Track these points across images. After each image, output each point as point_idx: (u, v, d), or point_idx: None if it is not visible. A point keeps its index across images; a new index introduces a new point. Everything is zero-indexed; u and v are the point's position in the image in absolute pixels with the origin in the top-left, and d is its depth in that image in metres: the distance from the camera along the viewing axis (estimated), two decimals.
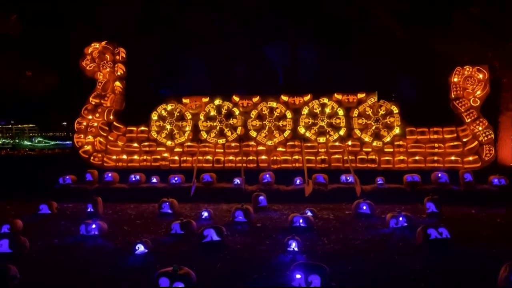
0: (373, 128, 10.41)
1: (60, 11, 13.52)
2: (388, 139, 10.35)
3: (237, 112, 10.92)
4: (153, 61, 14.73)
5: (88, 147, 11.05)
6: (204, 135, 10.94)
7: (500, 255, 5.16)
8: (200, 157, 10.70)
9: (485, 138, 9.86)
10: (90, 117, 11.10)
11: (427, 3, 11.43)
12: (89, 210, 8.07)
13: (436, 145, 10.15)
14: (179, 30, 14.77)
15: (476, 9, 10.42)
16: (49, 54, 13.85)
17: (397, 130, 10.34)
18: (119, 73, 11.24)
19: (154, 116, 11.12)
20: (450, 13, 10.82)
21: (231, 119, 10.92)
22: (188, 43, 15.24)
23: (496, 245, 5.68)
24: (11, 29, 12.89)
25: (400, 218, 6.66)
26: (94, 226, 6.45)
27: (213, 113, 10.99)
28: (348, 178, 9.71)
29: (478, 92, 10.01)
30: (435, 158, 10.08)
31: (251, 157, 10.60)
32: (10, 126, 53.04)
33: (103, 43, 11.24)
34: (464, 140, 10.05)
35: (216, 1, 14.54)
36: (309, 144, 10.56)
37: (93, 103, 11.13)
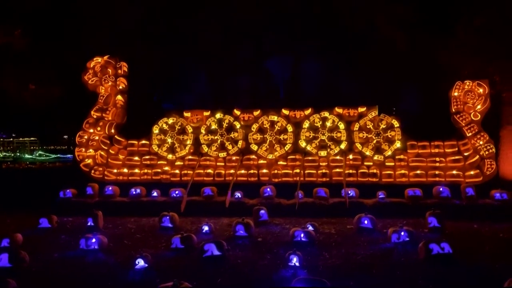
0: (374, 142, 10.42)
1: (63, 26, 13.62)
2: (389, 153, 10.35)
3: (238, 125, 10.95)
4: (155, 75, 14.81)
5: (89, 161, 11.07)
6: (205, 148, 10.96)
7: (503, 270, 5.12)
8: (201, 171, 10.70)
9: (486, 152, 9.85)
10: (91, 130, 11.14)
11: (431, 15, 11.47)
12: (89, 224, 8.05)
13: (437, 159, 10.14)
14: (180, 44, 14.87)
15: (478, 21, 10.44)
16: (51, 68, 13.93)
17: (398, 144, 10.35)
18: (121, 87, 11.32)
19: (155, 130, 11.16)
20: (453, 25, 10.86)
21: (232, 132, 10.95)
22: (189, 57, 15.33)
23: (499, 260, 5.64)
24: (15, 43, 12.99)
25: (402, 233, 6.63)
26: (94, 240, 6.43)
27: (214, 126, 11.02)
28: (349, 192, 9.66)
29: (479, 107, 10.04)
30: (437, 172, 10.04)
31: (252, 171, 10.59)
32: (11, 139, 53.12)
33: (105, 57, 11.35)
34: (465, 154, 10.04)
35: (218, 14, 14.65)
36: (310, 158, 10.56)
37: (95, 116, 11.19)
